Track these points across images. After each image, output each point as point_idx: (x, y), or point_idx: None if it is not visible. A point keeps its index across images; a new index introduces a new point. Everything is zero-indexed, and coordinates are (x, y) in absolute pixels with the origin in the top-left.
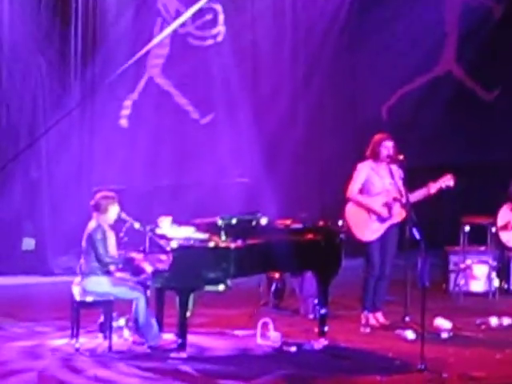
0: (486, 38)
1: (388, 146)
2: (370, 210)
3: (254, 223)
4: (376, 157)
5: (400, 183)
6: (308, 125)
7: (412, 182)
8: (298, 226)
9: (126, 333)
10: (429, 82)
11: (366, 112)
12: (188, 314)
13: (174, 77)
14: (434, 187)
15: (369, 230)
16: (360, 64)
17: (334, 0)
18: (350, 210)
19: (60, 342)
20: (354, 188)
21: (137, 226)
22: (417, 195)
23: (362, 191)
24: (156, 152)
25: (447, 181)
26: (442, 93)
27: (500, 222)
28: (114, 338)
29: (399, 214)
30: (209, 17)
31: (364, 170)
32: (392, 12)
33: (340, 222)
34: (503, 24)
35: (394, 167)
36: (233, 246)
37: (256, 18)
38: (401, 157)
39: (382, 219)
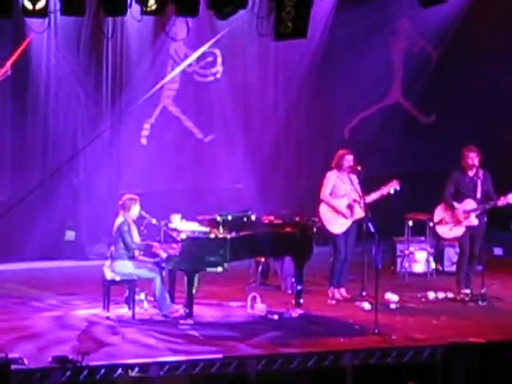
0: (425, 76)
1: (349, 159)
2: (337, 211)
3: (245, 219)
4: (340, 167)
5: (358, 188)
6: (289, 145)
7: (368, 187)
8: (279, 221)
9: (146, 304)
10: (380, 109)
11: (333, 132)
12: (194, 290)
13: (182, 105)
14: (384, 190)
15: (337, 225)
16: (333, 96)
17: (309, 47)
18: (323, 209)
19: (94, 311)
20: (326, 192)
21: (154, 221)
22: (372, 197)
23: (330, 194)
24: (169, 164)
25: (394, 185)
26: (391, 118)
27: (436, 218)
28: (137, 308)
29: (359, 212)
30: (210, 59)
31: (332, 178)
32: (356, 57)
33: (314, 219)
34: (438, 65)
35: (353, 176)
36: (229, 236)
37: (247, 61)
38: (359, 167)
39: (346, 217)
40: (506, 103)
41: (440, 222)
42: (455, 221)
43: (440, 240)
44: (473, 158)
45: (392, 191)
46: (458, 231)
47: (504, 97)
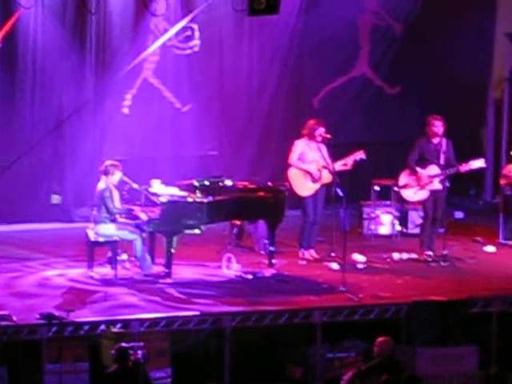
0: (391, 49)
1: (321, 131)
2: (306, 172)
3: (220, 184)
4: (310, 137)
5: (327, 156)
6: (261, 114)
7: (336, 154)
8: (253, 186)
9: (128, 264)
10: (348, 80)
11: (303, 102)
12: (173, 250)
13: (162, 77)
14: (350, 159)
15: (305, 189)
16: (303, 67)
17: (281, 22)
18: (291, 173)
19: (78, 270)
20: (293, 156)
21: (135, 186)
22: (339, 164)
23: (298, 160)
24: (149, 132)
25: (360, 155)
26: (358, 88)
27: (401, 182)
28: (119, 268)
29: (327, 177)
30: (188, 33)
31: (300, 145)
32: (325, 31)
33: (285, 183)
34: (403, 39)
35: (322, 145)
36: (205, 200)
37: (223, 35)
38: (328, 136)
39: (314, 180)
40: (466, 75)
41: (405, 186)
42: (419, 185)
43: (404, 204)
44: (438, 127)
45: (358, 160)
46: (422, 195)
47: (464, 68)
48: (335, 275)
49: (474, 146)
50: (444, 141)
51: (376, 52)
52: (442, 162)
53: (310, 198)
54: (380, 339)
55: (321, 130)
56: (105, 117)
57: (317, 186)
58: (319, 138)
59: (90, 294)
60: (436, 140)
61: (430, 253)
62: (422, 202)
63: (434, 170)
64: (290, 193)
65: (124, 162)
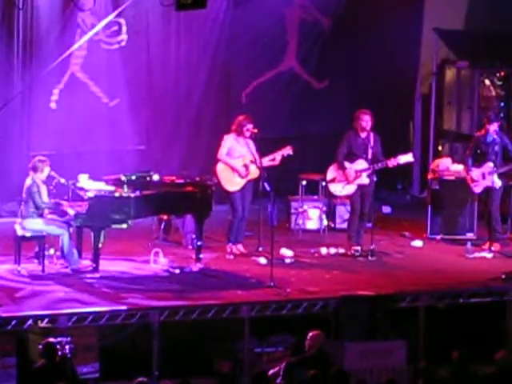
0: (319, 43)
1: (249, 127)
2: (233, 169)
3: (148, 179)
4: (239, 132)
5: (254, 151)
6: (189, 109)
7: (264, 149)
8: (180, 180)
9: (55, 259)
10: (276, 75)
11: (231, 97)
12: (100, 245)
13: (89, 72)
14: (278, 155)
15: (232, 184)
16: (231, 61)
17: (209, 17)
18: (219, 168)
19: (5, 266)
20: (222, 151)
21: (62, 181)
22: (266, 160)
23: (226, 155)
24: (77, 126)
25: (287, 150)
26: (286, 83)
27: (328, 176)
28: (46, 263)
29: (254, 172)
30: (115, 28)
31: (229, 140)
32: (255, 26)
33: (212, 178)
34: (331, 33)
35: (250, 140)
36: (133, 195)
37: (150, 30)
38: (255, 130)
39: (241, 176)
40: (394, 69)
41: (333, 181)
42: (347, 179)
43: (332, 198)
44: (366, 121)
45: (285, 155)
46: (350, 189)
47: (392, 63)
48: (263, 270)
49: (401, 140)
50: (372, 135)
51: (304, 46)
52: (369, 156)
53: (238, 193)
54: (312, 333)
55: (249, 126)
56: (32, 111)
57: (243, 181)
58: (247, 134)
59: (18, 289)
60: (364, 134)
61: (358, 247)
62: (349, 197)
63: (361, 164)
64: (218, 188)
65: (52, 156)
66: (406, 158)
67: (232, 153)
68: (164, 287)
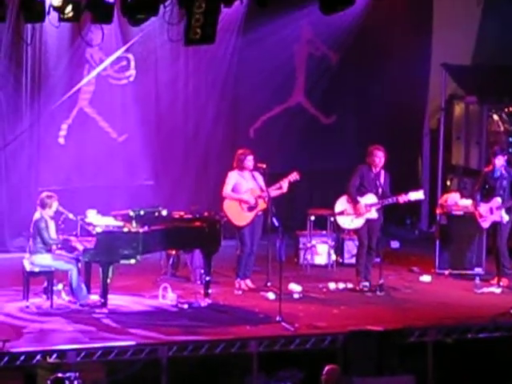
0: (326, 78)
1: (249, 159)
2: (241, 201)
3: (156, 214)
4: (241, 167)
5: (263, 185)
6: (198, 144)
7: (272, 184)
8: (189, 216)
9: (63, 294)
10: (284, 110)
11: (239, 132)
12: (108, 280)
13: (98, 107)
14: (284, 182)
15: (242, 218)
16: (239, 97)
17: (218, 52)
18: (227, 204)
19: (15, 301)
20: (227, 188)
21: (71, 216)
22: (274, 190)
23: (232, 191)
24: (85, 162)
25: (294, 176)
26: (294, 118)
27: (338, 209)
28: (55, 298)
29: (262, 203)
30: (123, 63)
31: (233, 177)
32: (262, 61)
33: (221, 213)
34: (339, 68)
35: (257, 173)
36: (141, 230)
37: (158, 65)
38: (263, 166)
39: (250, 208)
40: (402, 104)
41: (341, 213)
42: (357, 213)
43: (340, 233)
44: (380, 157)
45: (292, 181)
46: (358, 223)
47: (400, 98)
48: (271, 305)
49: (410, 175)
50: (382, 172)
51: (311, 81)
52: (380, 191)
53: (247, 228)
54: (328, 367)
55: (249, 158)
56: (41, 146)
57: (253, 213)
58: (250, 166)
59: (26, 325)
60: (376, 170)
61: (366, 283)
62: (357, 231)
63: (371, 198)
64: (226, 223)
65: (60, 192)
66: (417, 195)
67: (239, 188)
68: (172, 323)
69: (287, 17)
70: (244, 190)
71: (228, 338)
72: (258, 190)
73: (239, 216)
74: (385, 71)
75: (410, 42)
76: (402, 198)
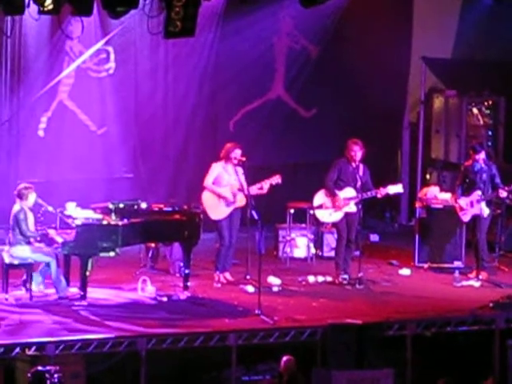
0: (306, 71)
1: (237, 153)
2: (220, 196)
3: (135, 207)
4: (227, 160)
5: (243, 179)
6: (177, 137)
7: (252, 177)
8: (168, 208)
9: (42, 286)
10: (263, 103)
11: (218, 125)
12: (87, 273)
13: (77, 99)
14: (266, 183)
15: (218, 212)
16: (219, 90)
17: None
18: (205, 196)
19: None
20: (209, 180)
21: (50, 208)
22: (254, 189)
23: (213, 183)
24: (65, 154)
25: (276, 179)
26: (273, 111)
27: (316, 203)
28: (34, 288)
29: (241, 200)
30: (103, 56)
31: (216, 168)
32: (241, 54)
33: (200, 206)
34: (318, 61)
35: (239, 168)
36: (120, 223)
37: (138, 58)
38: (243, 158)
39: (228, 203)
40: (382, 98)
41: (320, 207)
42: (335, 206)
43: (320, 226)
44: (356, 151)
45: (274, 183)
46: (337, 216)
47: (380, 91)
48: (250, 298)
49: (389, 168)
50: (361, 166)
51: (291, 74)
52: (358, 185)
53: (225, 221)
54: (285, 358)
55: (237, 153)
56: (20, 139)
57: (230, 209)
58: (235, 161)
59: (5, 317)
60: (354, 163)
61: (346, 276)
62: (335, 224)
63: (350, 192)
64: (205, 215)
65: (39, 184)
66: (396, 189)
67: (220, 181)
68: (151, 315)
69: (267, 9)
70: (224, 184)
71: (207, 330)
72: (238, 185)
73: (216, 209)
74: (365, 64)
75: (390, 35)
76: (381, 192)
